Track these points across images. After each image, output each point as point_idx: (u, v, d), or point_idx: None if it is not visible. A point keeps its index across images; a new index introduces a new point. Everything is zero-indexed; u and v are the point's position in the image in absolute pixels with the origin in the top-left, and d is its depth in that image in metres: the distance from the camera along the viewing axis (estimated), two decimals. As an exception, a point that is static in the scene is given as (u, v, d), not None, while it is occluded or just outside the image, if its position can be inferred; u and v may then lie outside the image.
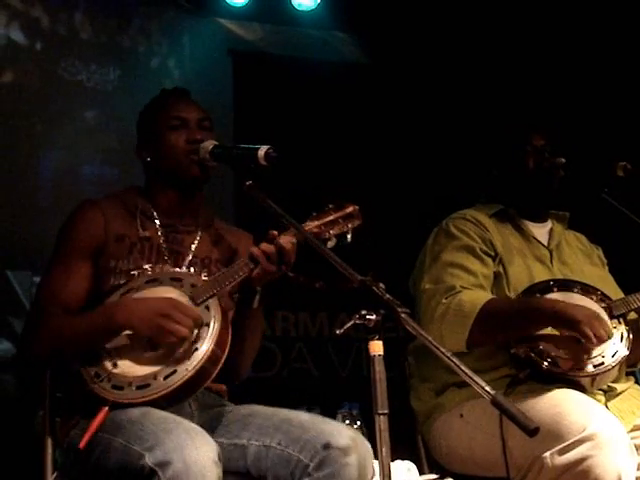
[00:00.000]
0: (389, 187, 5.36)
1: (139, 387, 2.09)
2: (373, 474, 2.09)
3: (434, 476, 2.66)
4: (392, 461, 1.81)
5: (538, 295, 2.55)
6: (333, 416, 3.39)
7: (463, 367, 1.73)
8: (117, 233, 2.35)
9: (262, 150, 2.22)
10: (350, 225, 2.31)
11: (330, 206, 2.32)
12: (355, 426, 3.42)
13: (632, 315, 2.63)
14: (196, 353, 2.11)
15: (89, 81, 5.17)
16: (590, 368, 2.42)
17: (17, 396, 4.24)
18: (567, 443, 2.21)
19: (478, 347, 2.49)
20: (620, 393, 2.54)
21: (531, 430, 1.67)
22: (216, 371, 2.15)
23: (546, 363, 2.42)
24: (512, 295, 2.58)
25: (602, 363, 2.43)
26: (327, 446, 2.04)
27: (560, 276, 2.67)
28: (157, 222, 2.41)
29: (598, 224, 2.97)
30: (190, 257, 2.40)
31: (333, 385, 5.31)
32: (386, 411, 1.75)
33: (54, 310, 2.25)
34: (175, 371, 2.09)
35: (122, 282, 2.28)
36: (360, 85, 5.57)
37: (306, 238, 2.14)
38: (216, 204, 2.74)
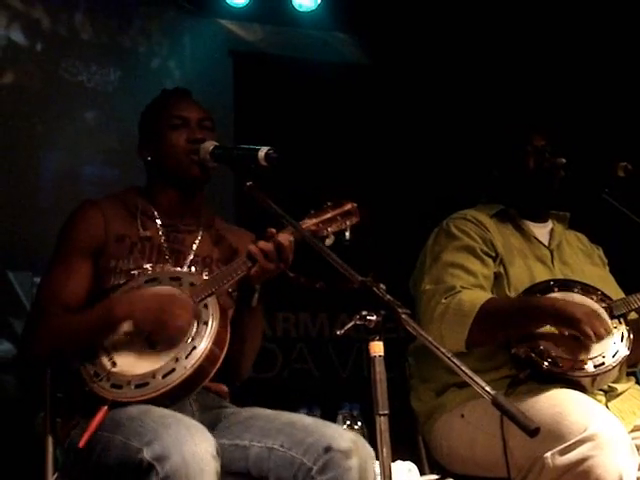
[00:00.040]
0: (390, 188, 5.36)
1: (138, 386, 2.09)
2: (375, 477, 2.09)
3: (435, 477, 2.66)
4: (393, 462, 1.81)
5: (538, 295, 2.56)
6: (334, 417, 3.39)
7: (464, 367, 1.73)
8: (117, 233, 2.35)
9: (262, 151, 2.22)
10: (348, 222, 2.31)
11: (328, 204, 2.32)
12: (356, 427, 3.42)
13: (633, 315, 2.63)
14: (194, 351, 2.11)
15: (89, 82, 5.17)
16: (591, 368, 2.42)
17: (18, 397, 4.24)
18: (568, 443, 2.21)
19: (478, 347, 2.49)
20: (621, 393, 2.54)
21: (532, 430, 1.67)
22: (215, 370, 2.15)
23: (546, 363, 2.42)
24: (513, 296, 2.58)
25: (603, 363, 2.43)
26: (329, 449, 2.04)
27: (561, 276, 2.67)
28: (158, 222, 2.41)
29: (599, 224, 2.97)
30: (191, 256, 2.40)
31: (334, 386, 5.31)
32: (387, 412, 1.75)
33: (54, 310, 2.25)
34: (174, 369, 2.09)
35: (122, 282, 2.29)
36: (360, 86, 5.56)
37: (306, 239, 2.14)
38: (217, 204, 2.74)
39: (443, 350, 1.77)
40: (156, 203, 2.43)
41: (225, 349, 2.17)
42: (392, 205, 5.29)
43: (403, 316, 1.79)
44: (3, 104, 4.91)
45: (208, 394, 2.33)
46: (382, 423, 1.75)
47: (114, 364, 2.13)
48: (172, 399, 2.10)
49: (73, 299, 2.28)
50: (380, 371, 1.77)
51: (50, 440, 2.19)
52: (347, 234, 2.29)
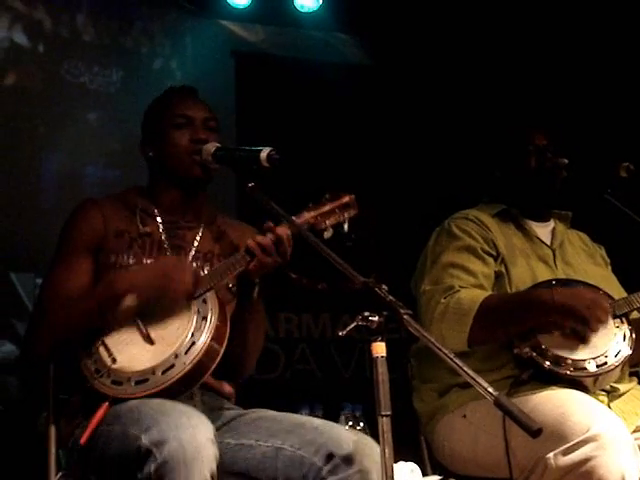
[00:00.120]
0: (392, 188, 5.36)
1: (138, 382, 2.10)
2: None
3: (437, 477, 2.66)
4: (395, 462, 1.81)
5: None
6: (336, 417, 3.39)
7: (466, 368, 1.73)
8: (117, 229, 2.35)
9: (264, 152, 2.22)
10: (346, 215, 2.30)
11: (326, 196, 2.32)
12: (358, 427, 3.42)
13: (635, 314, 2.62)
14: (194, 347, 2.11)
15: (92, 83, 5.17)
16: (593, 368, 2.42)
17: (20, 398, 4.24)
18: (571, 444, 2.20)
19: (479, 345, 2.49)
20: (623, 394, 2.54)
21: (534, 431, 1.67)
22: (214, 365, 2.14)
23: (548, 363, 2.42)
24: (515, 296, 2.59)
25: (605, 363, 2.43)
26: (335, 453, 2.03)
27: (563, 276, 2.67)
28: (158, 219, 2.41)
29: (601, 224, 2.96)
30: (193, 252, 2.40)
31: (336, 386, 5.31)
32: (389, 412, 1.76)
33: (56, 309, 2.25)
34: (173, 365, 2.09)
35: None
36: (362, 86, 5.57)
37: (310, 241, 2.13)
38: (219, 203, 2.74)
39: (445, 351, 1.77)
40: (158, 201, 2.43)
41: (224, 344, 2.16)
42: (394, 205, 5.29)
43: (405, 317, 1.79)
44: (5, 105, 4.92)
45: (216, 396, 2.33)
46: (384, 424, 1.75)
47: (114, 360, 2.13)
48: (172, 395, 2.09)
49: (75, 293, 2.27)
50: (382, 372, 1.77)
51: (53, 440, 2.19)
52: (345, 226, 2.29)
